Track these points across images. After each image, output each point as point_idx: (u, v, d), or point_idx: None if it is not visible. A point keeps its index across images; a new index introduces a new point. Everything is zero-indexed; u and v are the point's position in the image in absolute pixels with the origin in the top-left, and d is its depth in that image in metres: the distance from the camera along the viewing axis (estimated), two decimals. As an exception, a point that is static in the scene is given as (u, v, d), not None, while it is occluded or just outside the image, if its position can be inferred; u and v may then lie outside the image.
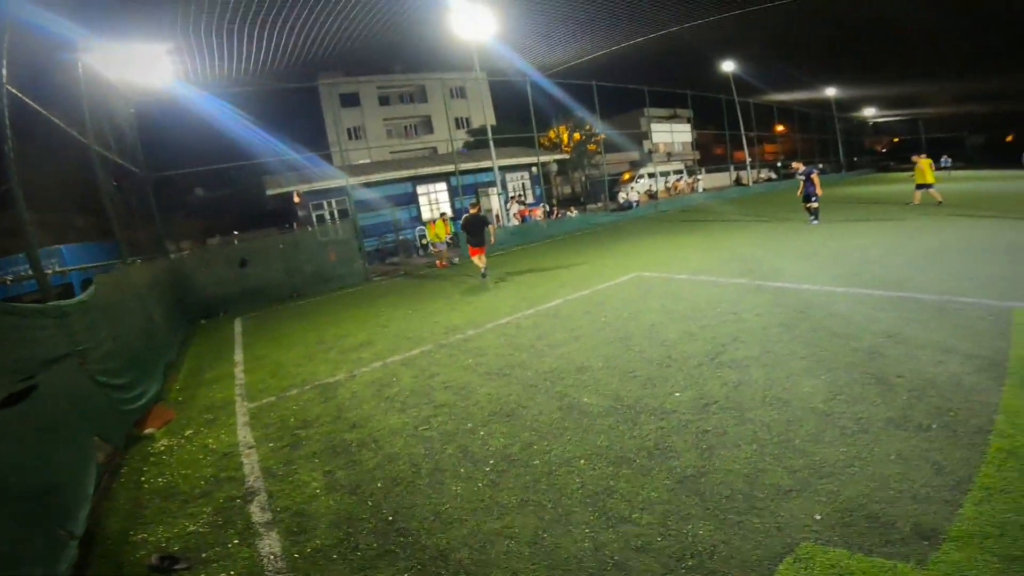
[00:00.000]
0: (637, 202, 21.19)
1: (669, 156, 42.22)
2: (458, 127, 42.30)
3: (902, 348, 4.43)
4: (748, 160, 30.70)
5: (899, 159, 45.48)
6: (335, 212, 18.09)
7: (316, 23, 14.03)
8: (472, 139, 34.63)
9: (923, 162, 14.36)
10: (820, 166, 28.52)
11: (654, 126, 23.88)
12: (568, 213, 18.32)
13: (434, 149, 38.70)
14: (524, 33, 17.22)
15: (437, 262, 13.97)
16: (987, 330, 4.62)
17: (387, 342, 6.92)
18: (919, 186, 14.45)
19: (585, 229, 16.99)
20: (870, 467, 2.86)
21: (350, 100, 41.64)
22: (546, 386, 4.65)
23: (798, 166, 13.22)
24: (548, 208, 18.90)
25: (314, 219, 17.75)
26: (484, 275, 10.45)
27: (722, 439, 3.36)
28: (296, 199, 17.84)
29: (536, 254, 13.61)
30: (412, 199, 19.69)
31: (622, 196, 20.74)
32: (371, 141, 39.75)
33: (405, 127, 44.64)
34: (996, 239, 8.85)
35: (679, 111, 49.67)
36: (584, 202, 28.34)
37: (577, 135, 38.52)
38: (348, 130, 41.84)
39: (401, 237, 17.94)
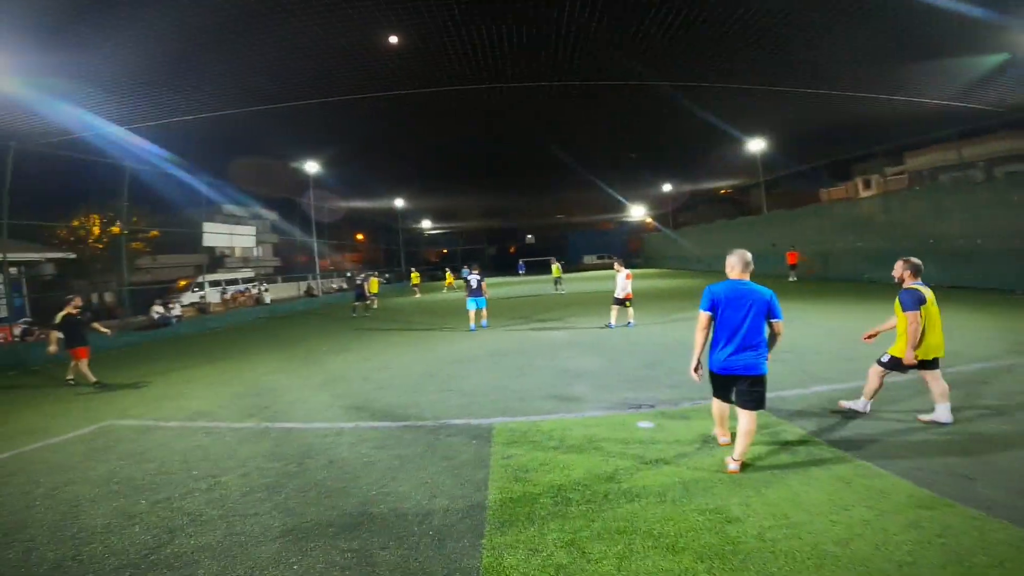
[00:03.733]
0: (178, 317, 17.41)
1: (246, 262, 38.68)
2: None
3: (391, 501, 3.78)
4: (317, 269, 31.00)
5: (446, 268, 55.94)
6: None
7: None
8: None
9: (373, 279, 20.25)
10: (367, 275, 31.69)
11: (207, 226, 20.95)
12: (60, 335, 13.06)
13: None
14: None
15: None
16: (470, 459, 4.48)
17: None
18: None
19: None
20: None
21: None
22: None
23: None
24: (28, 327, 13.14)
25: None
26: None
27: None
28: None
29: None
30: None
31: (157, 310, 16.56)
32: None
33: None
34: (492, 346, 10.50)
35: (264, 212, 47.39)
36: (105, 317, 21.46)
37: (116, 228, 30.82)
38: None
39: None
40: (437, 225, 62.47)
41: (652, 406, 5.70)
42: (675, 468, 4.06)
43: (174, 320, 16.79)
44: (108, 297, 27.02)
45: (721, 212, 42.33)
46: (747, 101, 18.41)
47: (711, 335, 3.95)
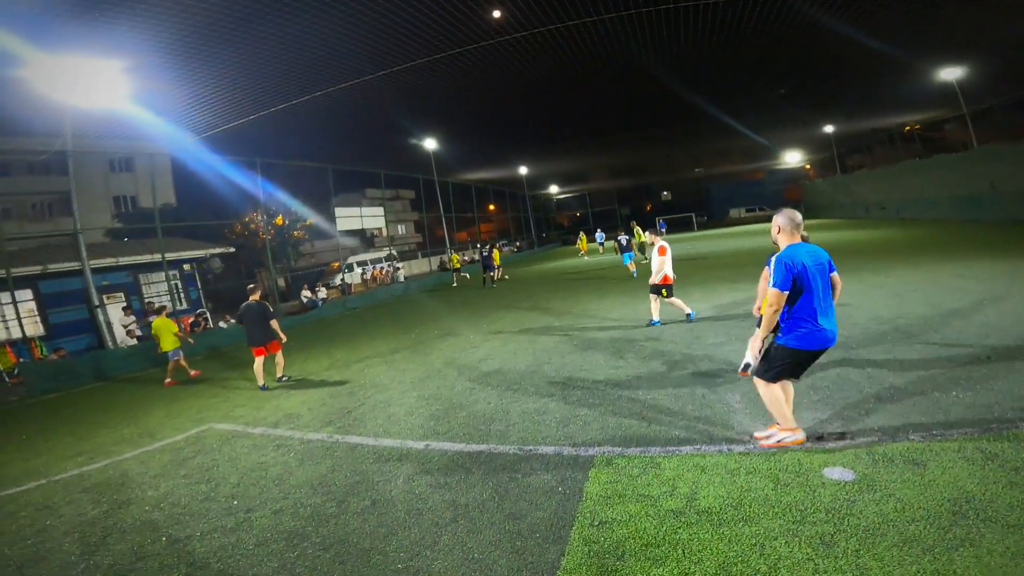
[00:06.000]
0: (324, 300, 18.52)
1: (392, 240, 41.35)
2: (119, 208, 33.71)
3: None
4: (448, 243, 31.56)
5: (576, 233, 54.23)
6: None
7: None
8: (123, 226, 27.28)
9: (496, 251, 18.99)
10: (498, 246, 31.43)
11: (339, 211, 22.06)
12: (222, 324, 14.43)
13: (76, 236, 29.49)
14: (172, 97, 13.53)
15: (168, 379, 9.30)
16: (545, 521, 3.12)
17: None
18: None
19: (237, 343, 13.19)
20: None
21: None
22: None
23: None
24: (200, 317, 14.72)
25: None
26: (281, 379, 8.07)
27: None
28: None
29: (115, 392, 9.51)
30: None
31: (305, 295, 17.77)
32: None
33: (33, 205, 33.49)
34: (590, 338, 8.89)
35: (401, 192, 50.11)
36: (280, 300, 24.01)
37: (280, 219, 34.53)
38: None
39: None
40: (565, 189, 60.89)
41: (849, 437, 3.68)
42: (894, 570, 2.30)
43: (320, 303, 17.89)
44: (264, 284, 30.38)
45: (907, 151, 34.60)
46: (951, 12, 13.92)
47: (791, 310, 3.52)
